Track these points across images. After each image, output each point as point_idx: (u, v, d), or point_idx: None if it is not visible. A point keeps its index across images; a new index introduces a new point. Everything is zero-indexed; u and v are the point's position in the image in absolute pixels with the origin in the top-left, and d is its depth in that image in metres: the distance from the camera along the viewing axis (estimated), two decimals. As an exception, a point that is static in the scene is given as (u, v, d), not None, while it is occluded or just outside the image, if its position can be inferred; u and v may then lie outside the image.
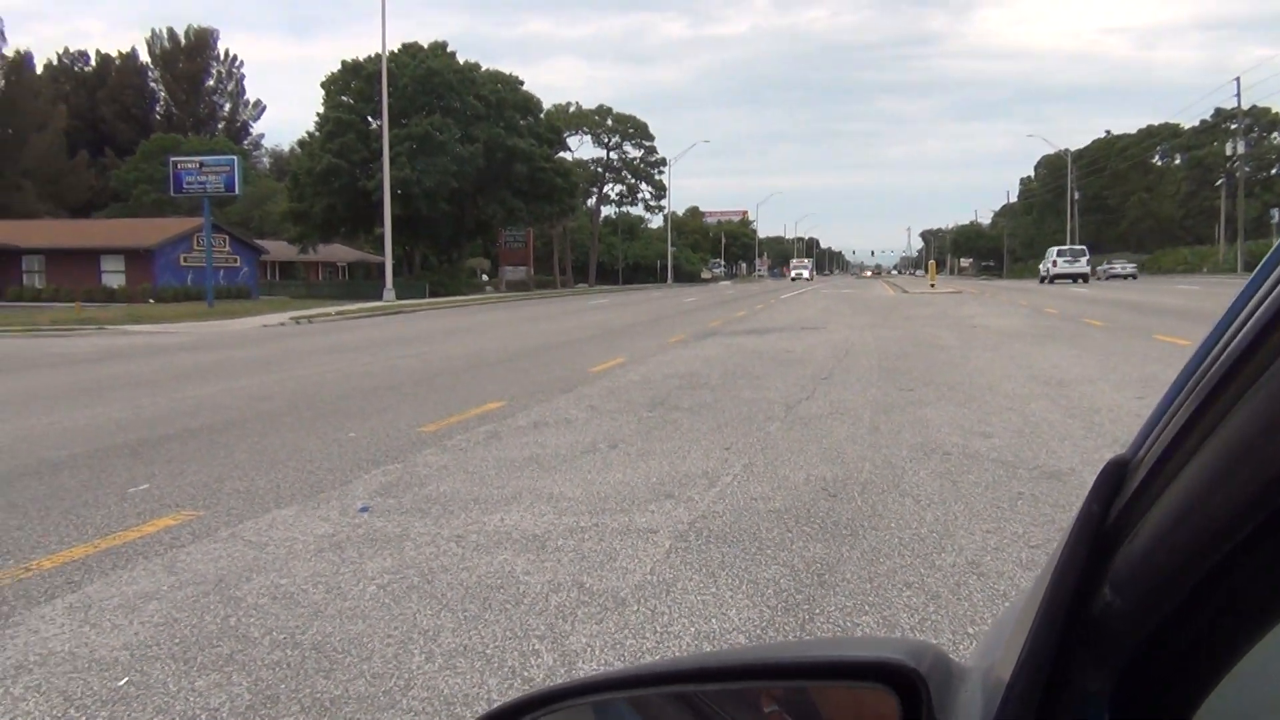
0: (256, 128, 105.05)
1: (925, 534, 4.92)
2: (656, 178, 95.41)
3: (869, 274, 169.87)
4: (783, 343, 16.81)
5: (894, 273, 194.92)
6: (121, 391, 11.75)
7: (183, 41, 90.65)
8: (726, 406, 9.38)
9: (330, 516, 5.55)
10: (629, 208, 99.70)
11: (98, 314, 32.08)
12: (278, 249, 64.27)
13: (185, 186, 43.60)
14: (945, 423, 8.15)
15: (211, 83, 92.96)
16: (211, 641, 3.70)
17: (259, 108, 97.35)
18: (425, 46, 59.19)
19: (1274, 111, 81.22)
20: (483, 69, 61.26)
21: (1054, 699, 0.61)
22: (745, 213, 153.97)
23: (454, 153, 55.03)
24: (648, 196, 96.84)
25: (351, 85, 58.06)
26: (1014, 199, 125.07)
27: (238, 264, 53.70)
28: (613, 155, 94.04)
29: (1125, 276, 57.76)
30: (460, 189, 56.83)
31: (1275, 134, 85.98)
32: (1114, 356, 13.00)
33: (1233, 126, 78.17)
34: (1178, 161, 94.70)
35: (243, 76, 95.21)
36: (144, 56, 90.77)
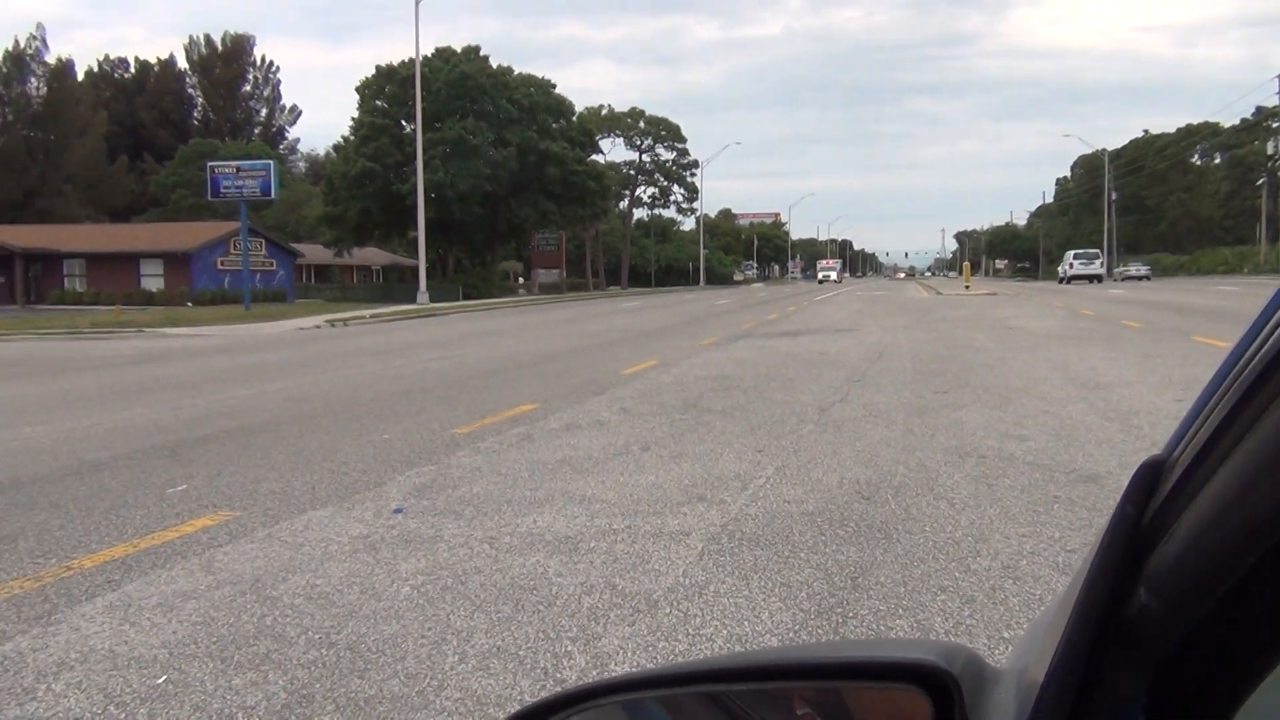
0: (292, 132, 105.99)
1: (960, 537, 4.88)
2: (689, 180, 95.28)
3: (902, 276, 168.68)
4: (816, 345, 16.74)
5: (927, 274, 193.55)
6: (160, 393, 11.91)
7: (220, 48, 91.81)
8: (759, 409, 9.36)
9: (365, 518, 5.59)
10: (661, 210, 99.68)
11: (137, 317, 32.55)
12: (313, 252, 64.88)
13: (222, 191, 44.11)
14: (980, 425, 8.08)
15: (248, 88, 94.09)
16: (248, 640, 3.74)
17: (295, 113, 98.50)
18: (458, 50, 59.49)
19: (1316, 109, 79.79)
20: (515, 72, 61.48)
21: (1088, 701, 0.60)
22: (778, 215, 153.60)
23: (487, 156, 55.27)
24: (680, 199, 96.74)
25: (386, 90, 58.48)
26: (1050, 199, 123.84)
27: (274, 267, 54.28)
28: (645, 158, 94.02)
29: (1139, 278, 61.02)
30: (493, 192, 57.07)
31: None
32: (1152, 358, 12.84)
33: (1274, 125, 76.93)
34: (1217, 161, 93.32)
35: (279, 82, 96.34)
36: (182, 63, 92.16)
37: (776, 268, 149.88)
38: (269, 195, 45.47)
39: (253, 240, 47.87)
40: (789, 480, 6.29)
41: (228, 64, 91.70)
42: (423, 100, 47.86)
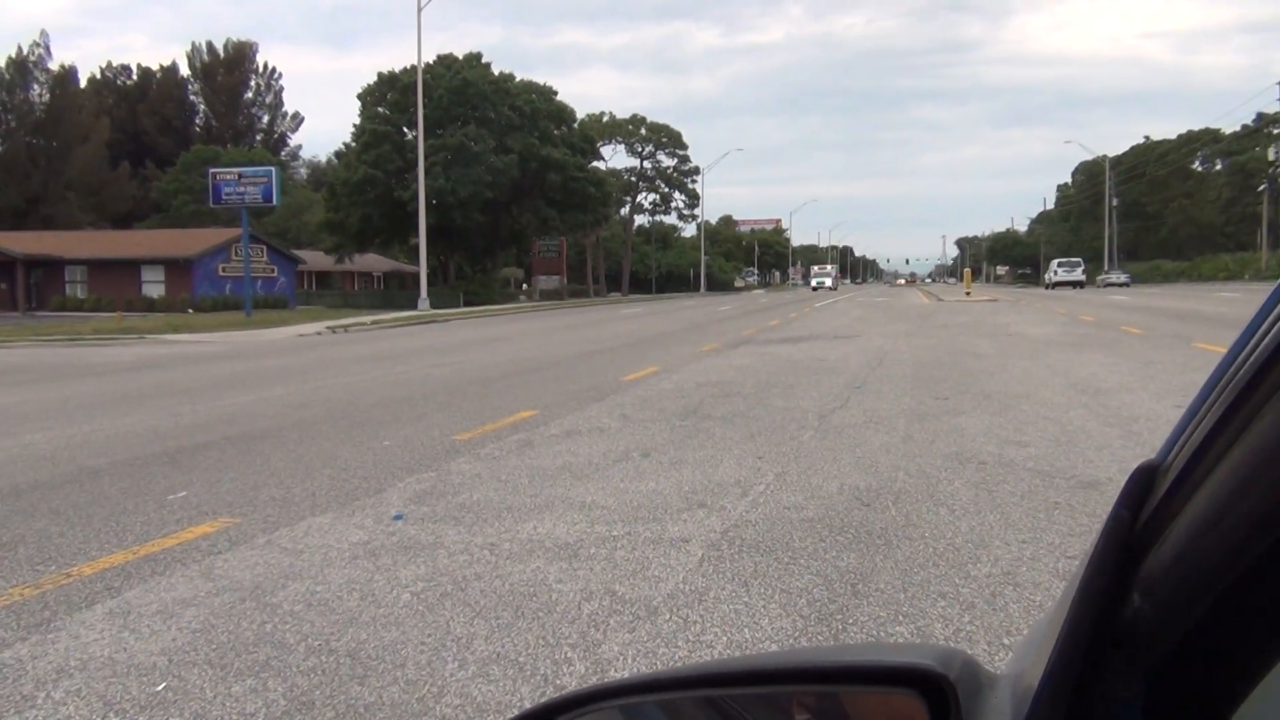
0: (294, 139, 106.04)
1: (960, 544, 4.88)
2: (690, 186, 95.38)
3: (903, 282, 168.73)
4: (816, 351, 16.74)
5: (928, 281, 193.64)
6: (161, 400, 11.91)
7: (222, 55, 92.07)
8: (759, 415, 9.36)
9: (365, 524, 5.59)
10: (662, 217, 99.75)
11: (138, 323, 32.59)
12: (314, 259, 64.98)
13: (224, 197, 44.15)
14: (981, 432, 8.08)
15: (250, 95, 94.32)
16: (248, 647, 3.74)
17: (297, 119, 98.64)
18: (460, 57, 59.65)
19: (1317, 116, 79.79)
20: (517, 79, 61.61)
21: (1084, 704, 0.60)
22: (779, 221, 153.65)
23: (488, 163, 55.36)
24: (681, 205, 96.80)
25: (387, 97, 58.63)
26: (1051, 206, 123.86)
27: (275, 274, 54.36)
28: (646, 164, 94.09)
29: (1120, 285, 65.53)
30: (494, 199, 57.15)
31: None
32: (1153, 365, 12.83)
33: (1275, 131, 76.95)
34: (1218, 167, 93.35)
35: (281, 89, 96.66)
36: (184, 70, 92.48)
37: (778, 274, 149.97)
38: (270, 202, 45.47)
39: (254, 247, 47.97)
40: (789, 487, 6.28)
41: (230, 71, 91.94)
42: (424, 107, 47.94)
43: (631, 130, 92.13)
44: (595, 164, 71.00)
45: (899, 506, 5.68)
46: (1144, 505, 0.62)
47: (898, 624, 3.85)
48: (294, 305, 51.70)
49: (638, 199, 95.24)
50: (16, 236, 54.39)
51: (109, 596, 4.40)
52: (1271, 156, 79.33)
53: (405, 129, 56.92)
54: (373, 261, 73.56)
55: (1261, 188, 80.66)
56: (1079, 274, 69.06)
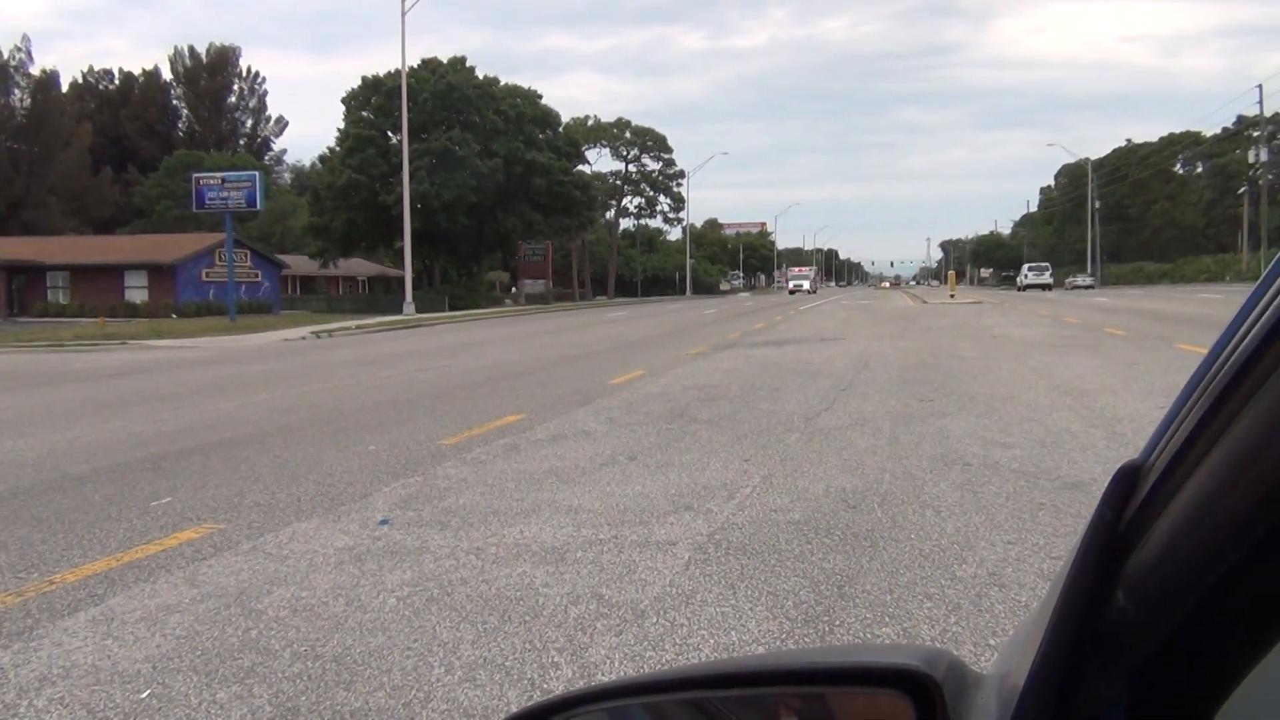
0: (278, 143, 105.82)
1: (946, 545, 4.89)
2: (675, 190, 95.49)
3: (887, 285, 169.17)
4: (802, 354, 16.78)
5: (913, 283, 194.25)
6: (144, 406, 11.85)
7: (205, 59, 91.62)
8: (745, 418, 9.37)
9: (350, 529, 5.57)
10: (647, 220, 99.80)
11: (121, 329, 32.38)
12: (299, 264, 64.72)
13: (207, 202, 43.98)
14: (966, 433, 8.11)
15: (233, 99, 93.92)
16: (233, 654, 3.72)
17: (281, 124, 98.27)
18: (445, 62, 59.57)
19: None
20: (502, 83, 61.55)
21: (1069, 704, 0.60)
22: (764, 224, 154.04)
23: (473, 167, 55.28)
24: (666, 209, 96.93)
25: (372, 101, 58.47)
26: (1034, 208, 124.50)
27: (259, 279, 54.10)
28: (631, 168, 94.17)
29: (1085, 287, 70.69)
30: (479, 203, 57.08)
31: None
32: (1136, 366, 12.91)
33: (1255, 134, 77.58)
34: (1199, 169, 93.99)
35: (265, 93, 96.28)
36: (167, 74, 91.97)
37: (763, 277, 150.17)
38: (254, 207, 45.36)
39: (238, 252, 47.76)
40: (775, 489, 6.29)
41: (213, 75, 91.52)
42: (409, 111, 47.85)
43: (616, 134, 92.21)
44: (580, 168, 70.98)
45: (885, 508, 5.69)
46: (1127, 506, 0.62)
47: (884, 625, 3.86)
48: (278, 310, 51.45)
49: (623, 202, 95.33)
50: (-2, 242, 54.03)
51: (92, 604, 4.37)
52: (1251, 159, 80.00)
53: (390, 133, 56.77)
54: (357, 266, 73.34)
55: (1242, 190, 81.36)
56: (1047, 277, 76.82)
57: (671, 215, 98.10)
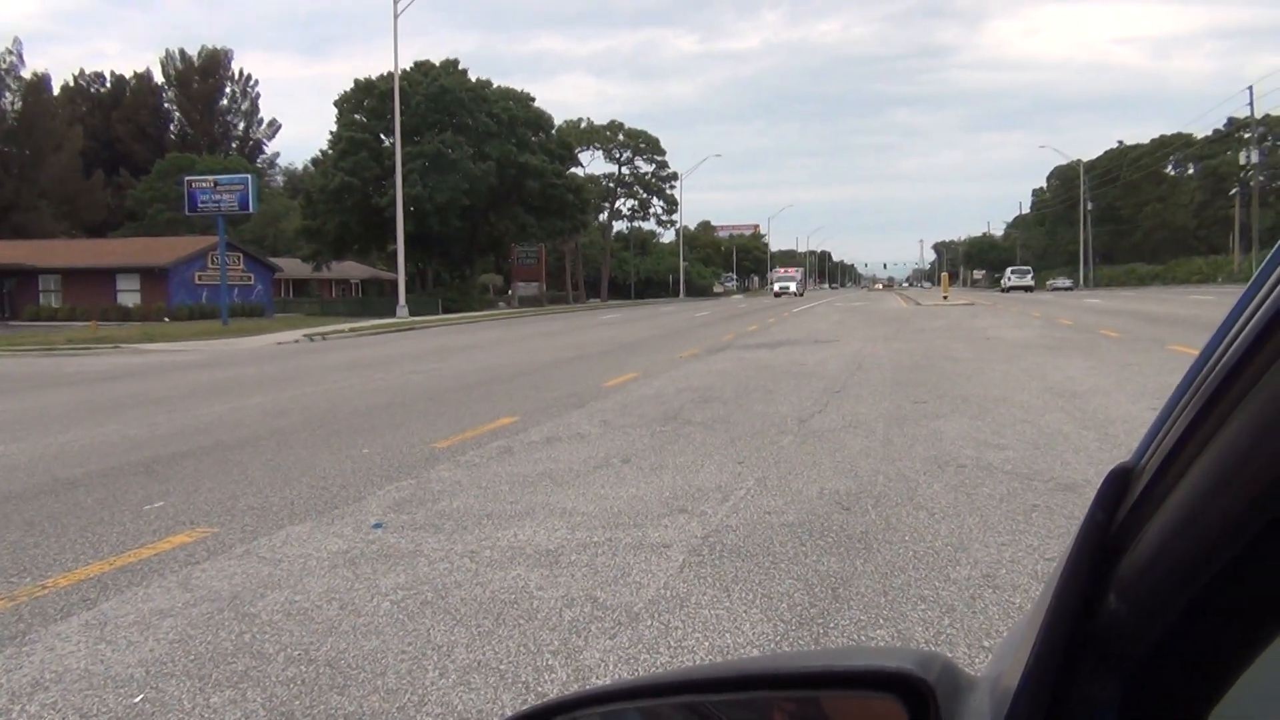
0: (270, 146, 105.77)
1: (940, 547, 4.90)
2: (668, 192, 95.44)
3: (880, 286, 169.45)
4: (795, 356, 16.79)
5: (905, 285, 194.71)
6: (137, 410, 11.81)
7: (197, 62, 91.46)
8: (739, 420, 9.37)
9: (344, 533, 5.56)
10: (641, 223, 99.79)
11: (113, 333, 32.28)
12: (291, 267, 64.59)
13: (200, 205, 43.87)
14: (959, 435, 8.12)
15: (225, 102, 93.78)
16: (226, 658, 3.71)
17: (273, 127, 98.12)
18: (437, 64, 59.51)
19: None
20: (494, 86, 61.51)
21: (1062, 707, 0.61)
22: (757, 226, 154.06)
23: (466, 170, 55.22)
24: (659, 211, 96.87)
25: (364, 104, 58.40)
26: (1026, 210, 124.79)
27: (252, 282, 53.98)
28: (624, 170, 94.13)
29: (1064, 288, 75.49)
30: (472, 206, 57.01)
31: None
32: (1129, 368, 12.94)
33: (1246, 135, 77.87)
34: (1191, 171, 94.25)
35: (257, 96, 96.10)
36: (158, 77, 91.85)
37: (756, 279, 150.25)
38: (247, 209, 45.22)
39: (230, 254, 47.65)
40: (770, 491, 6.30)
41: (205, 78, 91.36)
42: (401, 114, 47.80)
43: (609, 136, 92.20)
44: (573, 170, 71.05)
45: (879, 510, 5.70)
46: (1119, 507, 0.62)
47: (878, 627, 3.87)
48: (271, 313, 51.36)
49: (616, 205, 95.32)
50: (-11, 245, 53.83)
51: (85, 608, 4.35)
52: (1242, 161, 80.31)
53: (382, 136, 56.74)
54: (350, 269, 73.23)
55: (1233, 191, 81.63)
56: (1029, 279, 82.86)
57: (665, 218, 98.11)
